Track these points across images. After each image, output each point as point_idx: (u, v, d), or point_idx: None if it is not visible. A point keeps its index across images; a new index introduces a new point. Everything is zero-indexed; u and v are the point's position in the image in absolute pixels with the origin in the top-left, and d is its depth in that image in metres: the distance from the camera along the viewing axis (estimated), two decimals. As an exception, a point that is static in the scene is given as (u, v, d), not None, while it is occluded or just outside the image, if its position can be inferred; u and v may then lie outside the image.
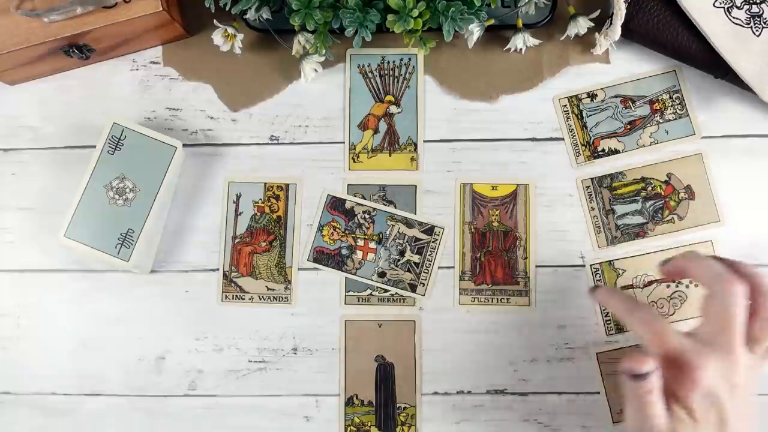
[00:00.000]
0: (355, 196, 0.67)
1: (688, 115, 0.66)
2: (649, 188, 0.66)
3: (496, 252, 0.66)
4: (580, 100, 0.67)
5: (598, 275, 0.65)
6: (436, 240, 0.66)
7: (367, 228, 0.66)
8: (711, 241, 0.65)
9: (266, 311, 0.66)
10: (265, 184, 0.67)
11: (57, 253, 0.66)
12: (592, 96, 0.67)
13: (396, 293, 0.65)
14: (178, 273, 0.66)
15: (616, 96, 0.67)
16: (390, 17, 0.59)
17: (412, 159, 0.67)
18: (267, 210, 0.67)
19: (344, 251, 0.66)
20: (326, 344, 0.65)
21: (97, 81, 0.69)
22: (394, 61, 0.68)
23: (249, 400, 0.65)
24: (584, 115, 0.67)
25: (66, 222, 0.61)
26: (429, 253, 0.66)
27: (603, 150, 0.66)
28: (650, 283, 0.64)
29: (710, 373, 0.46)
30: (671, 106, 0.66)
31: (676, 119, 0.66)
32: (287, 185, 0.67)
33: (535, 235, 0.66)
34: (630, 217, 0.65)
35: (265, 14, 0.64)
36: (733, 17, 0.63)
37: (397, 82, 0.68)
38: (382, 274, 0.66)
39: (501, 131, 0.67)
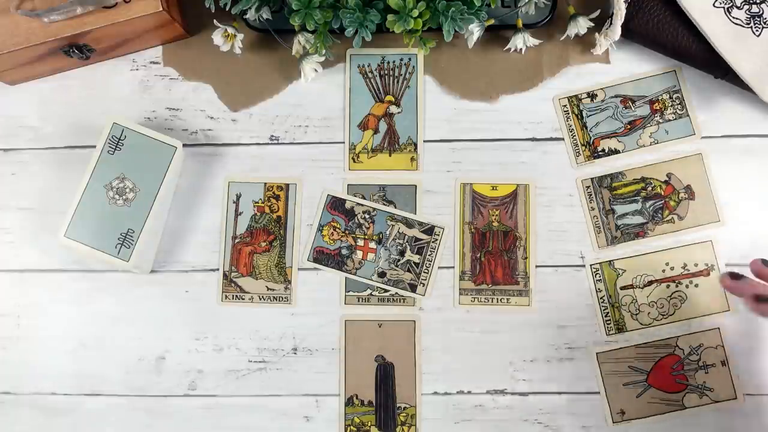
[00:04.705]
0: (355, 196, 0.67)
1: (688, 115, 0.66)
2: (649, 188, 0.66)
3: (496, 252, 0.66)
4: (580, 100, 0.67)
5: (598, 275, 0.65)
6: (436, 240, 0.66)
7: (367, 228, 0.66)
8: (711, 241, 0.65)
9: (266, 311, 0.66)
10: (265, 184, 0.67)
11: (57, 253, 0.66)
12: (592, 96, 0.67)
13: (396, 293, 0.65)
14: (178, 273, 0.66)
15: (616, 96, 0.67)
16: (390, 17, 0.59)
17: (412, 159, 0.67)
18: (267, 210, 0.67)
19: (344, 251, 0.66)
20: (326, 344, 0.65)
21: (97, 81, 0.69)
22: (394, 61, 0.68)
23: (249, 400, 0.65)
24: (584, 115, 0.67)
25: (66, 222, 0.61)
26: (429, 253, 0.66)
27: (603, 150, 0.66)
28: (650, 283, 0.64)
29: None
30: (671, 106, 0.66)
31: (676, 119, 0.66)
32: (287, 185, 0.67)
33: (535, 235, 0.66)
34: (630, 217, 0.65)
35: (265, 14, 0.64)
36: (733, 17, 0.63)
37: (397, 82, 0.68)
38: (382, 274, 0.66)
39: (501, 131, 0.67)
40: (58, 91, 0.69)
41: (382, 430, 0.64)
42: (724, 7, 0.63)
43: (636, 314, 0.64)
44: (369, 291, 0.66)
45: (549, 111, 0.67)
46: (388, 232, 0.66)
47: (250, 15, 0.64)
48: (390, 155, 0.67)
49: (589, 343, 0.64)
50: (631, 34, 0.65)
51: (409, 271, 0.66)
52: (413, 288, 0.65)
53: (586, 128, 0.67)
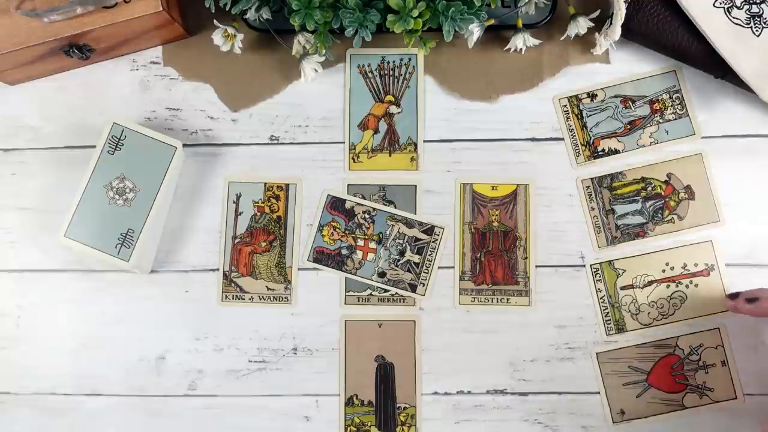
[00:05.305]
0: (355, 196, 0.67)
1: (688, 115, 0.66)
2: (649, 188, 0.66)
3: (496, 252, 0.66)
4: (580, 100, 0.67)
5: (598, 275, 0.65)
6: (436, 240, 0.66)
7: (367, 228, 0.66)
8: (711, 241, 0.65)
9: (266, 311, 0.66)
10: (265, 184, 0.67)
11: (57, 253, 0.66)
12: (592, 96, 0.67)
13: (396, 293, 0.65)
14: (178, 273, 0.66)
15: (616, 96, 0.67)
16: (390, 17, 0.59)
17: (412, 159, 0.67)
18: (267, 210, 0.67)
19: (344, 251, 0.66)
20: (326, 344, 0.65)
21: (97, 81, 0.69)
22: (394, 61, 0.68)
23: (249, 400, 0.65)
24: (584, 115, 0.67)
25: (66, 222, 0.61)
26: (429, 253, 0.66)
27: (603, 150, 0.66)
28: (650, 283, 0.64)
29: None
30: (671, 106, 0.66)
31: (676, 119, 0.66)
32: (287, 185, 0.67)
33: (535, 235, 0.66)
34: (630, 217, 0.65)
35: (265, 14, 0.64)
36: (733, 17, 0.63)
37: (397, 82, 0.68)
38: (382, 274, 0.66)
39: (501, 131, 0.67)
40: (58, 91, 0.69)
41: (382, 430, 0.64)
42: (724, 7, 0.63)
43: (636, 314, 0.64)
44: (369, 291, 0.66)
45: (549, 111, 0.67)
46: (388, 232, 0.66)
47: (250, 15, 0.64)
48: (390, 155, 0.67)
49: (589, 343, 0.64)
50: (631, 34, 0.65)
51: (409, 271, 0.66)
52: (413, 288, 0.65)
53: (586, 128, 0.67)
